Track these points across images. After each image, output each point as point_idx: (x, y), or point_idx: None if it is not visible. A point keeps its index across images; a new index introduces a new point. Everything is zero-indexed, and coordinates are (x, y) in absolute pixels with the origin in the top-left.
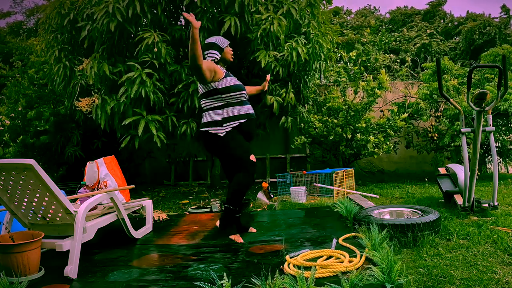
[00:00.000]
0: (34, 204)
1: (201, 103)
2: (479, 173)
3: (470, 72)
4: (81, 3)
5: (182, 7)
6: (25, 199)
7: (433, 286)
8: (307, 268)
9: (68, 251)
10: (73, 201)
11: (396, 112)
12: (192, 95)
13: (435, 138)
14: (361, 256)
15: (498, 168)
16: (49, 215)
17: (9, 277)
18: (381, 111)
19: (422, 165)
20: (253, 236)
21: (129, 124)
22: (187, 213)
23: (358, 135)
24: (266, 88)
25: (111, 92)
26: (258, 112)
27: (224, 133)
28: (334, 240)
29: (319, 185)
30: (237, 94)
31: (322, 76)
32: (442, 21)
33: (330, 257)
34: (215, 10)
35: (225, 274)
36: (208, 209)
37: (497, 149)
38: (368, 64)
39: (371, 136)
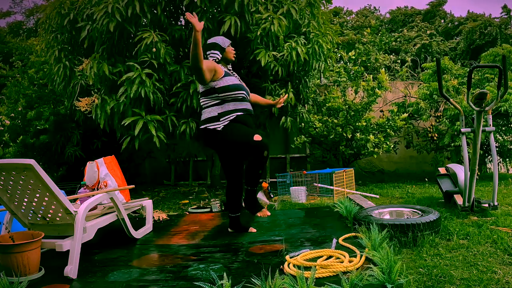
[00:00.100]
0: (34, 204)
1: (200, 102)
2: (479, 173)
3: (470, 72)
4: (81, 3)
5: (182, 7)
6: (25, 199)
7: (433, 286)
8: (307, 268)
9: (68, 251)
10: (73, 201)
11: (396, 112)
12: (192, 95)
13: (435, 138)
14: (361, 256)
15: (498, 168)
16: (49, 215)
17: (9, 277)
18: (381, 111)
19: (422, 165)
20: (253, 236)
21: (129, 125)
22: (187, 213)
23: (358, 134)
24: (279, 106)
25: (111, 92)
26: (258, 112)
27: (222, 126)
28: (334, 240)
29: (319, 185)
30: (234, 93)
31: (322, 76)
32: (442, 21)
33: (330, 257)
34: (215, 10)
35: (225, 274)
36: (208, 209)
37: (497, 149)
38: (368, 64)
39: (370, 135)
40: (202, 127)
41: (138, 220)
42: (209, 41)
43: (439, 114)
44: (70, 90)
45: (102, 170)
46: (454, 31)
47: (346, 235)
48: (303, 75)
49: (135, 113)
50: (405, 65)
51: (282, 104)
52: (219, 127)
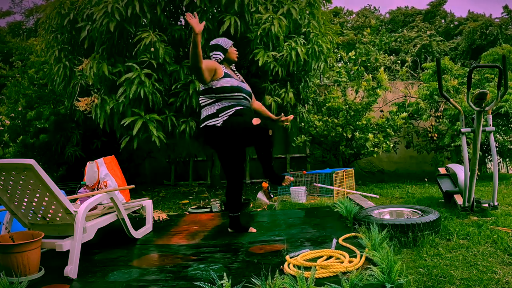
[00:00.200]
0: (34, 204)
1: (199, 101)
2: (479, 173)
3: (470, 72)
4: (81, 3)
5: (182, 7)
6: (25, 199)
7: (433, 286)
8: (307, 268)
9: (68, 251)
10: (73, 201)
11: (396, 112)
12: (191, 95)
13: (435, 138)
14: (361, 256)
15: (498, 168)
16: (49, 215)
17: (9, 277)
18: (381, 111)
19: (422, 165)
20: (253, 236)
21: (129, 125)
22: (187, 213)
23: (357, 133)
24: (282, 124)
25: (111, 92)
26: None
27: (221, 121)
28: (334, 240)
29: (319, 185)
30: (231, 95)
31: (321, 76)
32: (443, 21)
33: (330, 257)
34: (215, 10)
35: (225, 274)
36: (208, 209)
37: (497, 149)
38: (368, 64)
39: (370, 135)
40: (202, 125)
41: (138, 220)
42: (212, 42)
43: (439, 114)
44: (70, 90)
45: (102, 170)
46: (455, 31)
47: (346, 235)
48: (303, 75)
49: (134, 113)
50: (405, 65)
51: (288, 123)
52: (218, 123)
